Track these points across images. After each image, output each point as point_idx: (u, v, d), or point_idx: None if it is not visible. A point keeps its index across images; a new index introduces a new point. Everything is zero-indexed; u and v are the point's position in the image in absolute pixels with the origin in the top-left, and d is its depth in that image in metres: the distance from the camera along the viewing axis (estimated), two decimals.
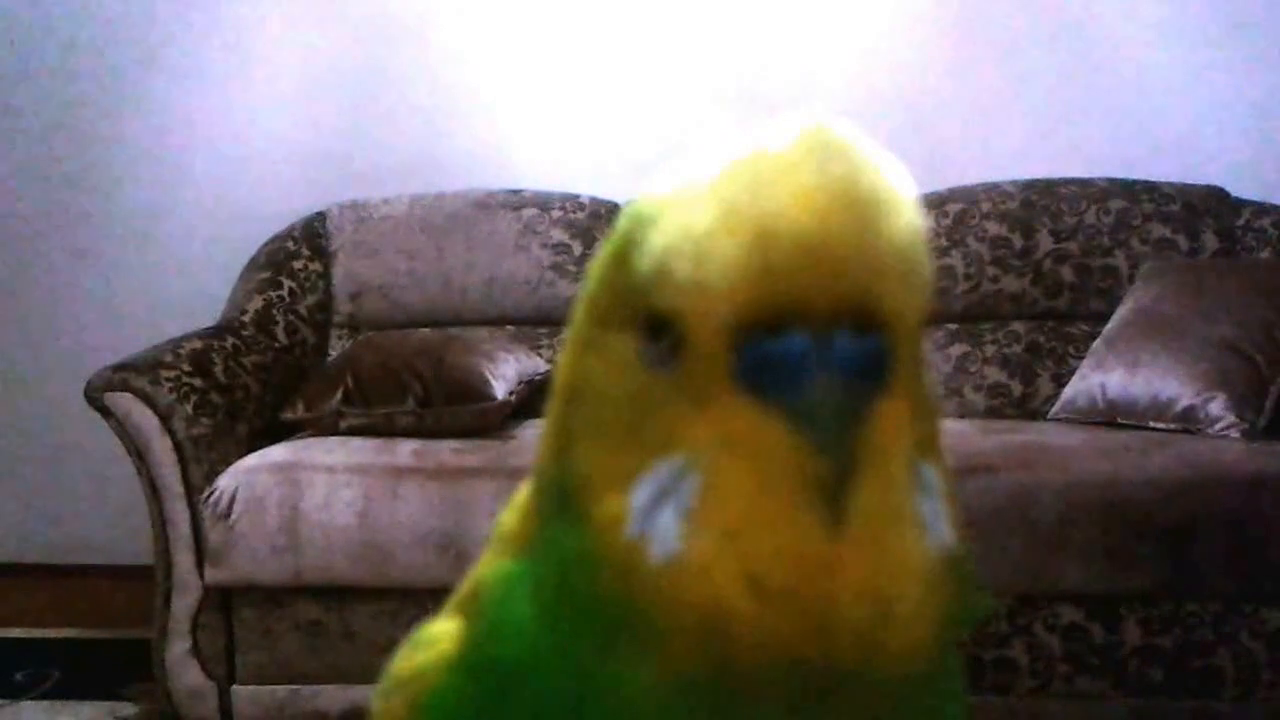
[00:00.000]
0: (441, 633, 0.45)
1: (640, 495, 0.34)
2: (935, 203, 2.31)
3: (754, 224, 0.33)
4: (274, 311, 2.27)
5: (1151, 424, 1.91)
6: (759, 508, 0.33)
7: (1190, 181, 2.31)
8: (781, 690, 0.33)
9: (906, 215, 0.34)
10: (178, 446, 1.81)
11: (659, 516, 0.34)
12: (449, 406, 1.91)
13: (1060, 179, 2.33)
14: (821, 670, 0.33)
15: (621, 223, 0.37)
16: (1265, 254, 2.22)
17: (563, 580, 0.37)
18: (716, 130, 0.38)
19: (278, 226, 2.42)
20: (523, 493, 0.45)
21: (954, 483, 0.38)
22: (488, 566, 0.45)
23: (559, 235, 2.37)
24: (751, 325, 0.33)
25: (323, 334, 2.36)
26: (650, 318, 0.35)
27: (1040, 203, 2.29)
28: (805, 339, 0.32)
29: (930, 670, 0.36)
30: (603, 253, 0.38)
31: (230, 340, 2.07)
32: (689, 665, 0.33)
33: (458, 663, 0.43)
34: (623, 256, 0.37)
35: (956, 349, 2.26)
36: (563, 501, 0.37)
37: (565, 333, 0.41)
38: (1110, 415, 1.97)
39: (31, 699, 2.05)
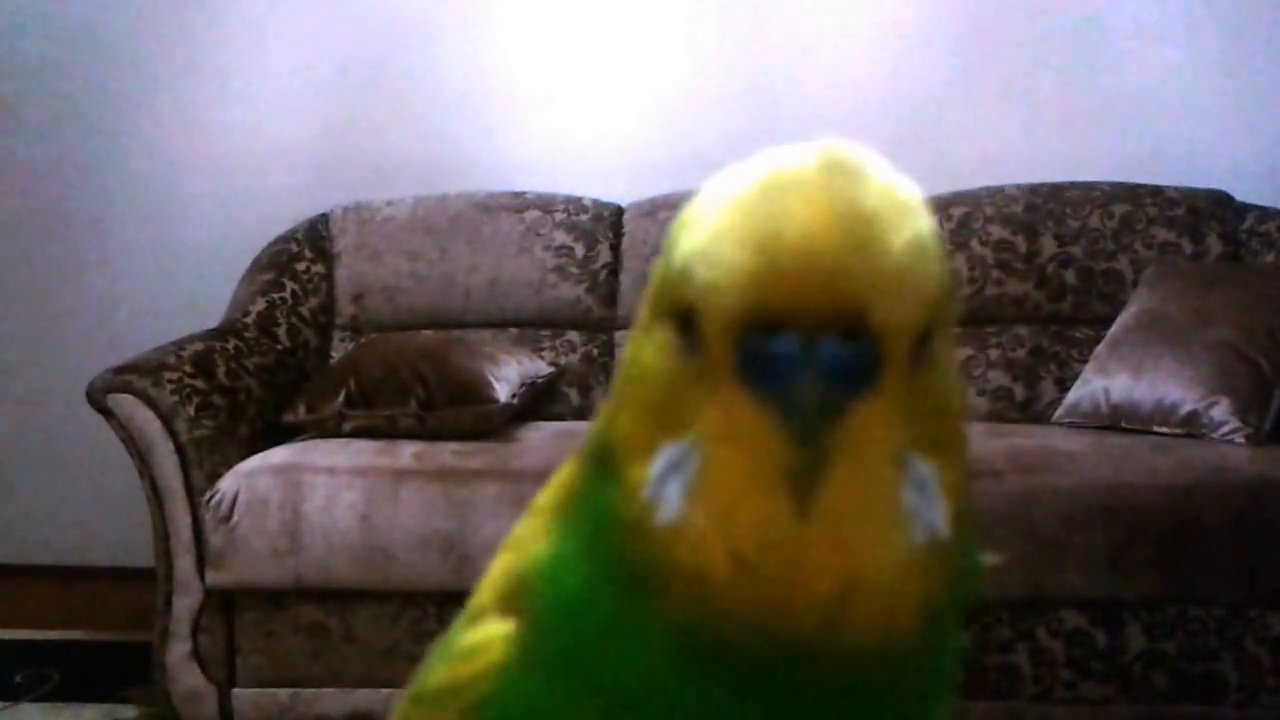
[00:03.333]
0: (488, 639, 0.46)
1: (658, 465, 0.40)
2: (939, 206, 2.30)
3: (760, 234, 0.37)
4: (277, 313, 2.27)
5: (1155, 428, 1.90)
6: (742, 491, 0.38)
7: (1194, 185, 2.31)
8: (759, 651, 0.38)
9: (910, 232, 0.38)
10: (179, 448, 1.81)
11: (668, 487, 0.39)
12: (451, 409, 1.91)
13: (1064, 182, 2.33)
14: (790, 637, 0.38)
15: (673, 224, 0.42)
16: (1269, 258, 2.21)
17: (598, 528, 0.42)
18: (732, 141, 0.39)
19: (281, 228, 2.42)
20: (563, 472, 0.49)
21: (966, 479, 0.41)
22: (524, 555, 0.47)
23: (562, 237, 2.36)
24: (752, 325, 0.37)
25: (325, 336, 2.36)
26: (681, 310, 0.40)
27: (1044, 206, 2.29)
28: (793, 342, 0.36)
29: (913, 656, 0.40)
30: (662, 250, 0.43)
31: (233, 342, 2.07)
32: (684, 614, 0.39)
33: (522, 662, 0.44)
34: (667, 254, 0.42)
35: (960, 352, 2.25)
36: (603, 461, 0.43)
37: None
38: (1114, 419, 1.97)
39: (31, 701, 2.05)
